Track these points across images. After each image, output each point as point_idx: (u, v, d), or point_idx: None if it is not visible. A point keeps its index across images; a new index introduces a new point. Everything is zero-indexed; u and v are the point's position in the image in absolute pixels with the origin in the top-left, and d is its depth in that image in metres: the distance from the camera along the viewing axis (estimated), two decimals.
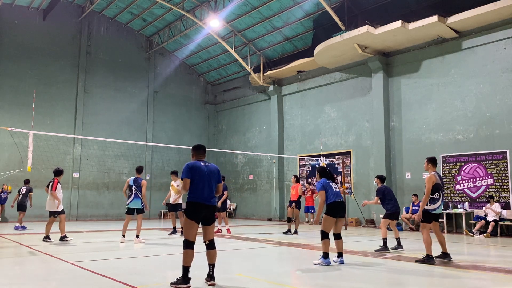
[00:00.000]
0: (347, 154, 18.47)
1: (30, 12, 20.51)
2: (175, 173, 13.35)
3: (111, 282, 5.89)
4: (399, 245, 9.51)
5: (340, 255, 7.68)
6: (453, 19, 14.35)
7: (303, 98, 20.82)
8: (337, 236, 7.78)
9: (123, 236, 10.92)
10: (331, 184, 7.76)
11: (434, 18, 14.31)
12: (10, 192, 17.78)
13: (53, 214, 10.93)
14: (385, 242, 9.32)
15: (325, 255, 7.41)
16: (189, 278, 5.46)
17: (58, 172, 11.13)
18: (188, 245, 5.59)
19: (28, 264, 7.62)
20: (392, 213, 9.72)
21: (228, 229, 13.91)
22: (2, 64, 19.59)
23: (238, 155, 24.07)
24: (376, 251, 9.22)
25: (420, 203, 7.93)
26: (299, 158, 20.40)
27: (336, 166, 18.81)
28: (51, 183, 10.88)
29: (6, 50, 19.76)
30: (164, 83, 24.50)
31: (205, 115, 26.09)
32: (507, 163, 13.67)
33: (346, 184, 17.77)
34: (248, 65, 21.33)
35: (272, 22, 19.82)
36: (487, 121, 14.27)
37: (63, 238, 10.91)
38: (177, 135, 24.32)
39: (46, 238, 10.85)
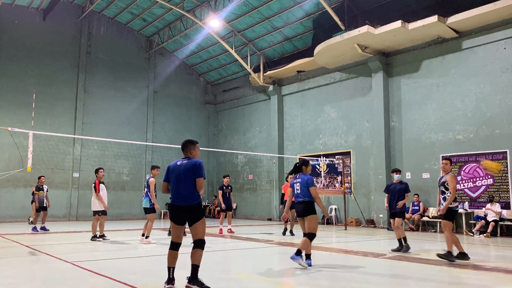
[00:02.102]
0: (347, 154, 18.46)
1: (30, 12, 20.51)
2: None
3: (111, 282, 5.89)
4: (401, 245, 9.51)
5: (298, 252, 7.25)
6: (453, 19, 14.34)
7: (303, 98, 20.82)
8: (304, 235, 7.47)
9: (143, 235, 11.03)
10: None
11: (434, 18, 14.31)
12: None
13: (97, 213, 11.24)
14: (405, 239, 9.26)
15: (298, 252, 7.17)
16: (171, 279, 5.33)
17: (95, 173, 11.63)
18: (171, 246, 5.50)
19: (28, 264, 7.62)
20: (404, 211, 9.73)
21: (229, 229, 13.92)
22: (2, 64, 19.58)
23: (238, 155, 24.06)
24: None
25: (446, 202, 7.86)
26: (299, 158, 20.38)
27: (336, 166, 18.82)
28: (92, 186, 11.39)
29: (6, 50, 19.75)
30: (164, 83, 24.49)
31: (205, 115, 26.09)
32: (507, 163, 13.67)
33: (346, 184, 17.76)
34: (248, 65, 21.33)
35: (272, 22, 19.81)
36: (487, 121, 14.27)
37: (102, 236, 11.34)
38: (177, 135, 24.30)
39: (101, 237, 11.29)
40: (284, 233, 13.22)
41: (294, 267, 7.18)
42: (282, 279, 6.47)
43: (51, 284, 5.97)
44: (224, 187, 14.42)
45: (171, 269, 5.38)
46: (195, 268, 5.31)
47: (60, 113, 20.80)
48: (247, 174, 23.58)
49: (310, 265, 7.25)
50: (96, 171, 11.55)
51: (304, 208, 7.43)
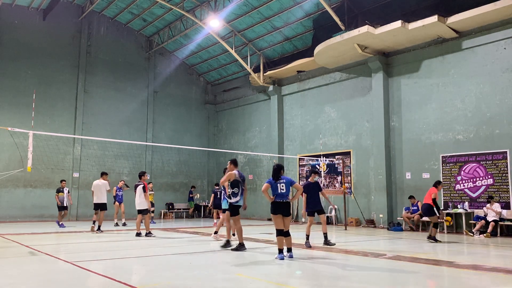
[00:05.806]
0: (347, 154, 18.46)
1: (30, 12, 20.50)
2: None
3: (111, 282, 5.89)
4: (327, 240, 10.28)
5: (288, 250, 8.16)
6: (453, 19, 14.34)
7: (303, 98, 20.82)
8: (286, 234, 8.16)
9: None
10: (276, 184, 8.34)
11: (434, 18, 14.30)
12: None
13: (147, 212, 12.26)
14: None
15: (279, 251, 8.05)
16: None
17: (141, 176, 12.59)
18: None
19: (28, 264, 7.62)
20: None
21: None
22: (2, 64, 19.58)
23: (238, 155, 24.05)
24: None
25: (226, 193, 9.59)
26: (299, 158, 20.39)
27: (336, 166, 18.82)
28: (140, 186, 12.17)
29: (6, 50, 19.75)
30: (164, 83, 24.49)
31: (205, 115, 26.09)
32: (507, 163, 13.66)
33: (346, 184, 17.75)
34: (248, 65, 21.33)
35: (272, 22, 19.81)
36: (487, 121, 14.27)
37: (148, 233, 12.23)
38: (177, 135, 24.31)
39: (148, 234, 12.18)
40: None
41: (293, 267, 7.18)
42: (282, 279, 6.47)
43: (51, 284, 5.97)
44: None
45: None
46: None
47: (60, 113, 20.80)
48: (247, 174, 23.56)
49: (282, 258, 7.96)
50: (143, 174, 12.55)
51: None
